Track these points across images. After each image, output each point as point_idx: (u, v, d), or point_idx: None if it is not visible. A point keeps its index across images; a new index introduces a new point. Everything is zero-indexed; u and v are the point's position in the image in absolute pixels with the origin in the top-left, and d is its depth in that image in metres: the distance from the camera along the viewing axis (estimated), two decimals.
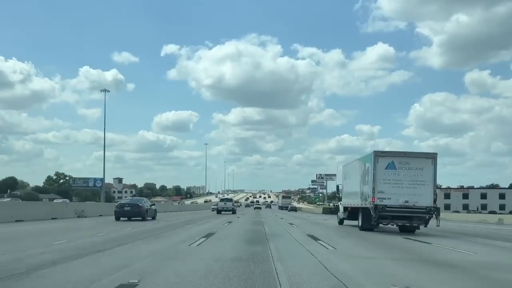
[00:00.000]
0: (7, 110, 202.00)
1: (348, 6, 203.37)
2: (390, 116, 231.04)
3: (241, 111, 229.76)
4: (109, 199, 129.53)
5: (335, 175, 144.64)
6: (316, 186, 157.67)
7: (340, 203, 24.24)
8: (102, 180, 68.84)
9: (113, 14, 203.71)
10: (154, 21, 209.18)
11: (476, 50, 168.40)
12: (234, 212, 43.59)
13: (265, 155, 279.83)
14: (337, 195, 26.12)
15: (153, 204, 28.36)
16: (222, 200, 48.82)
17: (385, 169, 16.83)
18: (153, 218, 26.23)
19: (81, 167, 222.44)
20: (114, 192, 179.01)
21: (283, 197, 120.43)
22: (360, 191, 18.72)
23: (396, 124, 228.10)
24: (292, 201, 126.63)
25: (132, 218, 24.36)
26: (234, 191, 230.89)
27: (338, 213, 24.75)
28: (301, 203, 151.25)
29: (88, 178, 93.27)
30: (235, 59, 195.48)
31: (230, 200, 48.30)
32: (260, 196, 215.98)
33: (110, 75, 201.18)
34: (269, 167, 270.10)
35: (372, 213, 16.91)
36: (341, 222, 23.96)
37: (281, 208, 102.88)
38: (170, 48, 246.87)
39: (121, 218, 24.29)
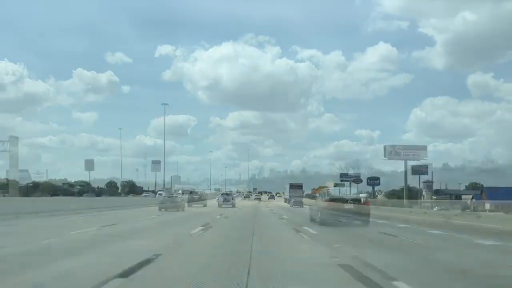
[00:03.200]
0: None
1: (349, 4, 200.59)
2: (390, 121, 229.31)
3: (239, 115, 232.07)
4: None
5: (425, 147, 72.60)
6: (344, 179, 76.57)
7: None
8: None
9: (106, 13, 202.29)
10: (148, 21, 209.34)
11: (482, 51, 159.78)
12: (233, 205, 49.62)
13: (264, 160, 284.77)
14: None
15: (182, 200, 42.06)
16: (222, 194, 56.14)
17: None
18: (182, 209, 39.86)
19: (79, 171, 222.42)
20: None
21: (291, 186, 77.66)
22: None
23: (396, 129, 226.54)
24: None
25: (169, 209, 37.88)
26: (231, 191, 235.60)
27: None
28: None
29: None
30: (232, 61, 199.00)
31: (230, 194, 58.18)
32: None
33: (105, 76, 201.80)
34: (268, 173, 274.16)
35: None
36: None
37: (287, 201, 70.82)
38: (164, 49, 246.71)
39: (162, 209, 37.76)
